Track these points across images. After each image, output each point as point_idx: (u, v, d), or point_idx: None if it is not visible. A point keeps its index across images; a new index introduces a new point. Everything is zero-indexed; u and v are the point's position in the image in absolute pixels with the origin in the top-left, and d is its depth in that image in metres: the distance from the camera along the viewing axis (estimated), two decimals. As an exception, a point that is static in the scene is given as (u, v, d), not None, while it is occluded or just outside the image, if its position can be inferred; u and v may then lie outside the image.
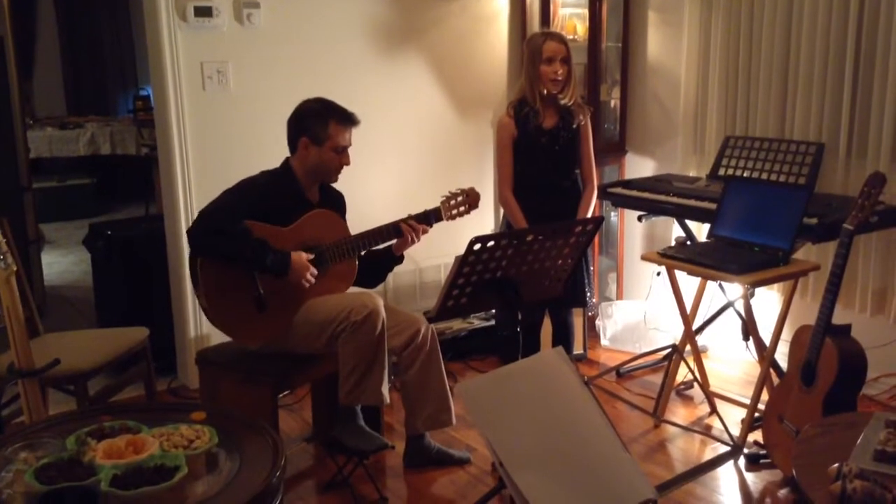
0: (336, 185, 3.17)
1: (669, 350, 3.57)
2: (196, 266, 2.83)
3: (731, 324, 3.87)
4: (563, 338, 3.71)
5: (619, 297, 4.67)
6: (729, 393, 3.67)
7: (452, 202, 3.20)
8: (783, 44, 3.81)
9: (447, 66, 4.51)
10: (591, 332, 4.45)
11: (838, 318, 2.77)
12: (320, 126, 2.97)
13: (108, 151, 8.21)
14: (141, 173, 7.81)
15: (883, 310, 3.60)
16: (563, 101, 3.51)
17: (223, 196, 2.91)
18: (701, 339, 3.92)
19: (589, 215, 3.64)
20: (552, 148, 3.52)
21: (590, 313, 4.33)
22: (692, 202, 3.63)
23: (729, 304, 3.74)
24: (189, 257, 2.90)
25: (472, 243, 2.55)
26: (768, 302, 3.95)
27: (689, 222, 3.88)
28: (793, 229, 3.08)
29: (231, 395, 2.99)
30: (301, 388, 3.64)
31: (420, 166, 4.49)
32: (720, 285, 3.69)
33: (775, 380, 3.33)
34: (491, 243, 2.59)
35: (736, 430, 3.25)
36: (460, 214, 3.22)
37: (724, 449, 3.23)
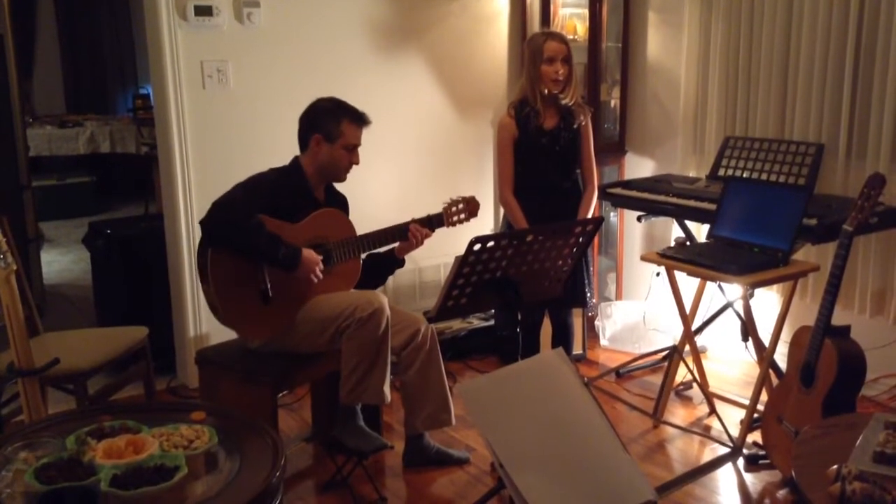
0: (337, 185, 3.18)
1: (669, 351, 3.58)
2: (206, 258, 2.84)
3: (730, 324, 3.87)
4: (562, 338, 3.71)
5: (619, 297, 4.67)
6: (728, 394, 3.67)
7: (453, 209, 3.25)
8: (783, 44, 3.81)
9: (447, 65, 4.51)
10: (591, 333, 4.45)
11: (838, 318, 2.78)
12: (333, 123, 3.00)
13: (107, 150, 8.21)
14: (140, 172, 7.81)
15: (882, 311, 3.60)
16: (564, 102, 3.50)
17: (236, 189, 2.93)
18: (700, 340, 3.92)
19: (589, 216, 3.64)
20: (553, 148, 3.52)
21: (589, 314, 4.33)
22: (692, 203, 3.63)
23: (728, 305, 3.75)
24: (198, 249, 2.90)
25: (472, 243, 2.55)
26: (768, 303, 3.96)
27: (688, 223, 3.88)
28: (792, 230, 3.08)
29: (230, 395, 2.99)
30: (300, 387, 3.64)
31: (420, 166, 4.49)
32: (719, 286, 3.69)
33: (774, 381, 3.33)
34: (491, 243, 2.60)
35: (735, 431, 3.25)
36: (460, 222, 3.27)
37: (723, 450, 3.24)
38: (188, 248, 3.81)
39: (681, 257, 3.22)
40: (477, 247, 2.56)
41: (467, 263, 2.59)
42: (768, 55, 3.86)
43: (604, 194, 4.00)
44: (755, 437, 3.20)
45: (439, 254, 4.37)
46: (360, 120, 3.05)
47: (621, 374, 4.06)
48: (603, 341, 4.45)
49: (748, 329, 3.45)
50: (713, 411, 3.52)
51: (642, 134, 4.59)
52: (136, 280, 4.04)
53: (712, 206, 3.45)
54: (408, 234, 3.13)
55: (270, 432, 2.17)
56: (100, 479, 1.88)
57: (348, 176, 3.11)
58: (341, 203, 3.21)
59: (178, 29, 3.69)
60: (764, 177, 3.62)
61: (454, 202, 3.24)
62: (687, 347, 3.56)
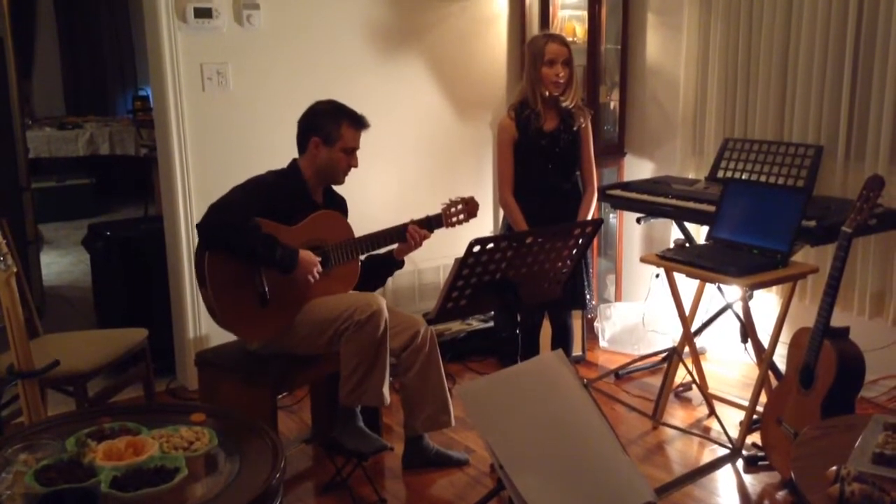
0: (336, 186, 3.18)
1: (668, 352, 3.58)
2: (203, 261, 2.84)
3: (729, 326, 3.88)
4: (562, 340, 3.71)
5: (618, 299, 4.67)
6: (727, 395, 3.68)
7: (452, 210, 3.24)
8: (782, 46, 3.81)
9: (447, 67, 4.52)
10: (590, 334, 4.45)
11: (837, 320, 2.78)
12: (332, 126, 3.00)
13: (107, 152, 8.22)
14: (140, 174, 7.81)
15: (881, 312, 3.60)
16: (564, 104, 3.51)
17: (233, 192, 2.93)
18: (699, 342, 3.92)
19: (589, 218, 3.64)
20: (552, 150, 3.53)
21: (589, 315, 4.34)
22: (691, 204, 3.64)
23: (727, 307, 3.75)
24: (196, 252, 2.90)
25: (471, 245, 2.56)
26: (767, 304, 3.96)
27: (687, 224, 3.89)
28: (791, 232, 3.08)
29: (230, 397, 2.99)
30: (300, 389, 3.64)
31: (419, 168, 4.50)
32: (719, 287, 3.70)
33: (774, 382, 3.34)
34: (490, 245, 2.60)
35: (734, 433, 3.25)
36: (459, 222, 3.26)
37: (722, 451, 3.24)
38: (188, 249, 3.81)
39: (680, 259, 3.22)
40: (476, 248, 2.57)
41: (467, 265, 2.59)
42: (767, 57, 3.87)
43: (603, 196, 4.00)
44: (754, 438, 3.20)
45: (439, 255, 4.38)
46: (358, 123, 3.05)
47: (620, 375, 4.06)
48: (602, 343, 4.45)
49: (747, 330, 3.45)
50: (712, 413, 3.52)
51: (641, 136, 4.60)
52: (136, 282, 4.04)
53: (711, 208, 3.45)
54: (406, 236, 3.13)
55: (270, 434, 2.18)
56: (100, 481, 1.88)
57: (349, 176, 3.12)
58: (340, 205, 3.21)
59: (177, 31, 3.69)
60: (763, 178, 3.63)
61: (453, 203, 3.24)
62: (686, 349, 3.56)
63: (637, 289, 4.56)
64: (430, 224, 3.19)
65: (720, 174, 3.80)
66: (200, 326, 3.90)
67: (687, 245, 3.50)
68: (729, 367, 4.14)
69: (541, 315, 3.71)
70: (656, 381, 3.78)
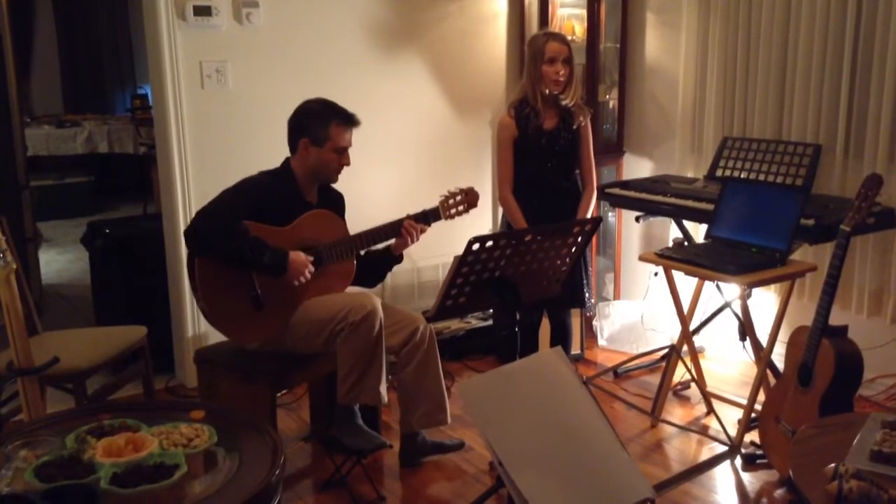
0: (334, 185, 3.17)
1: (667, 350, 3.59)
2: (193, 266, 2.84)
3: (728, 324, 3.88)
4: (561, 338, 3.71)
5: (617, 297, 4.68)
6: (726, 393, 3.68)
7: (451, 201, 3.20)
8: (781, 45, 3.82)
9: (446, 66, 4.52)
10: (589, 333, 4.46)
11: (835, 318, 2.78)
12: (321, 127, 2.97)
13: (105, 150, 8.22)
14: (138, 172, 7.81)
15: (879, 311, 3.61)
16: (564, 102, 3.51)
17: (221, 196, 2.91)
18: (698, 340, 3.93)
19: (588, 217, 3.64)
20: (552, 149, 3.53)
21: (587, 314, 4.34)
22: (690, 203, 3.64)
23: (726, 305, 3.75)
24: (187, 259, 2.90)
25: (470, 243, 2.55)
26: (765, 303, 3.97)
27: (686, 223, 3.89)
28: (790, 230, 3.09)
29: (229, 394, 2.99)
30: (299, 386, 3.64)
31: (418, 166, 4.50)
32: (717, 286, 3.70)
33: (772, 380, 3.34)
34: (490, 243, 2.60)
35: (733, 431, 3.26)
36: (459, 214, 3.22)
37: (720, 449, 3.25)
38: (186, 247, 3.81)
39: (679, 257, 3.23)
40: (476, 246, 2.57)
41: (466, 263, 2.59)
42: (766, 56, 3.87)
43: (602, 194, 4.00)
44: (753, 436, 3.21)
45: (438, 253, 4.39)
46: (349, 122, 3.00)
47: (619, 373, 4.06)
48: (601, 341, 4.45)
49: (746, 329, 3.46)
50: (711, 411, 3.53)
51: (640, 134, 4.60)
52: (135, 280, 4.04)
53: (710, 207, 3.45)
54: (402, 231, 3.10)
55: (270, 431, 2.18)
56: (99, 478, 1.89)
57: (347, 176, 3.11)
58: (336, 202, 3.19)
59: (176, 29, 3.69)
60: (762, 177, 3.63)
61: (452, 194, 3.20)
62: (685, 347, 3.57)
63: (636, 287, 4.57)
64: (427, 218, 3.15)
65: (719, 173, 3.81)
66: (199, 324, 3.90)
67: (686, 243, 3.50)
68: (727, 365, 4.15)
69: (540, 313, 3.71)
70: (655, 379, 3.79)
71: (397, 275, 4.35)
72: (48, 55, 9.10)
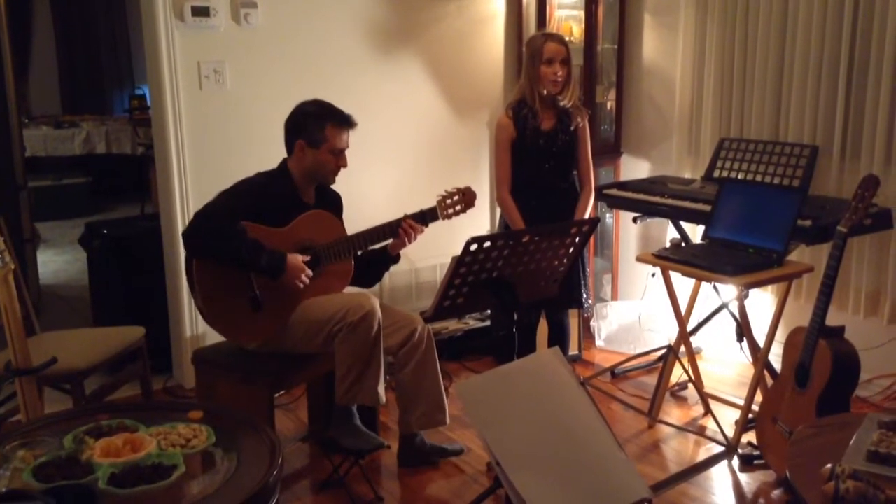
0: (332, 185, 3.17)
1: (664, 351, 3.59)
2: (191, 267, 2.84)
3: (725, 325, 3.89)
4: (559, 339, 3.72)
5: (614, 298, 4.68)
6: (723, 394, 3.69)
7: (448, 201, 3.20)
8: (778, 46, 3.83)
9: (444, 66, 4.52)
10: (586, 333, 4.46)
11: (832, 319, 2.79)
12: (317, 128, 2.97)
13: (103, 150, 8.22)
14: (136, 172, 7.80)
15: (876, 312, 3.62)
16: (562, 103, 3.51)
17: (218, 198, 2.91)
18: (695, 341, 3.93)
19: (586, 217, 3.65)
20: (550, 150, 3.53)
21: (585, 314, 4.35)
22: (687, 204, 3.65)
23: (723, 306, 3.76)
24: (185, 261, 2.90)
25: (468, 243, 2.56)
26: (762, 303, 3.97)
27: (683, 224, 3.90)
28: (787, 231, 3.09)
29: (227, 395, 2.99)
30: (297, 387, 3.65)
31: (416, 166, 4.50)
32: (714, 287, 3.70)
33: (769, 381, 3.35)
34: (487, 244, 2.60)
35: (730, 431, 3.26)
36: (456, 213, 3.22)
37: (718, 449, 3.25)
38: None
39: (676, 258, 3.23)
40: (473, 247, 2.57)
41: (464, 263, 2.59)
42: (763, 57, 3.88)
43: (599, 195, 4.01)
44: (750, 436, 3.21)
45: (436, 254, 4.39)
46: (345, 123, 2.99)
47: (617, 374, 4.07)
48: (598, 342, 4.46)
49: (743, 329, 3.46)
50: (708, 411, 3.53)
51: (638, 135, 4.61)
52: (133, 280, 4.04)
53: (707, 208, 3.46)
54: (399, 231, 3.10)
55: (267, 431, 2.18)
56: (97, 478, 1.89)
57: (345, 176, 3.10)
58: (334, 202, 3.19)
59: (175, 29, 3.70)
60: (759, 178, 3.64)
61: (449, 194, 3.20)
62: (682, 348, 3.57)
63: (633, 288, 4.57)
64: (425, 217, 3.15)
65: (716, 174, 3.82)
66: (197, 325, 3.90)
67: (683, 244, 3.51)
68: (724, 365, 4.16)
69: (537, 314, 3.72)
70: (652, 379, 3.79)
71: (395, 275, 4.36)
72: (46, 56, 9.10)
